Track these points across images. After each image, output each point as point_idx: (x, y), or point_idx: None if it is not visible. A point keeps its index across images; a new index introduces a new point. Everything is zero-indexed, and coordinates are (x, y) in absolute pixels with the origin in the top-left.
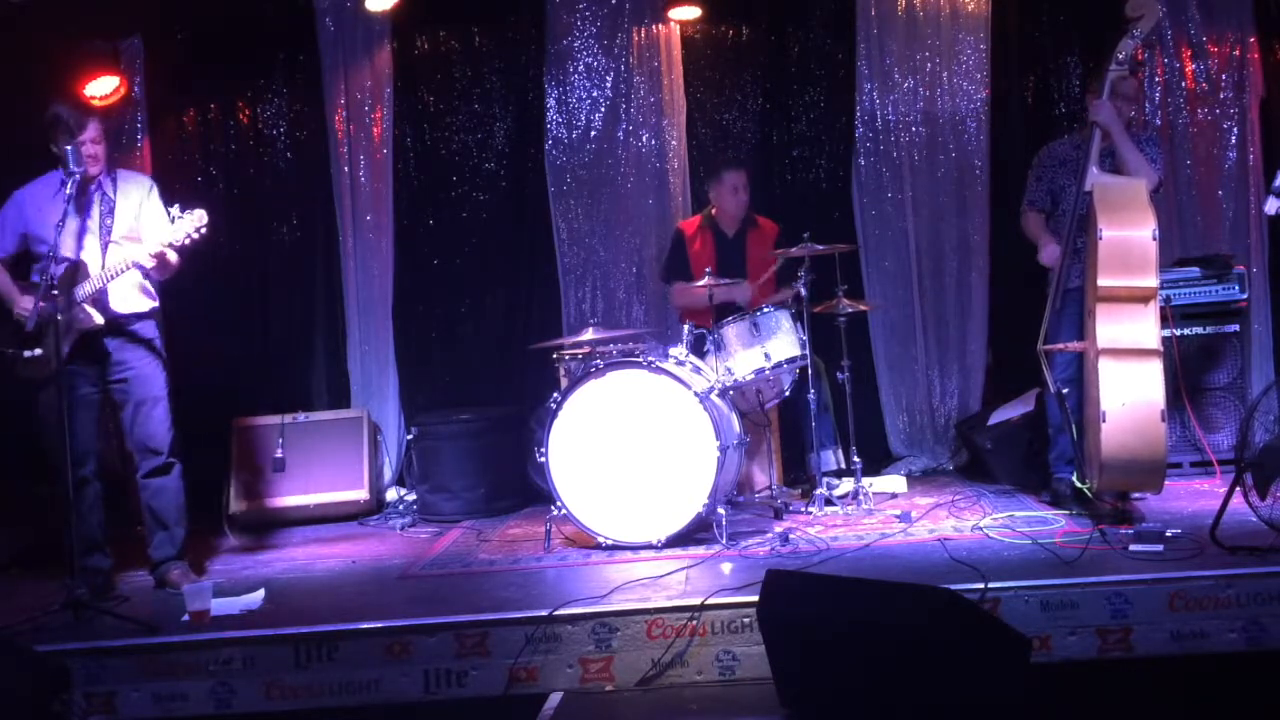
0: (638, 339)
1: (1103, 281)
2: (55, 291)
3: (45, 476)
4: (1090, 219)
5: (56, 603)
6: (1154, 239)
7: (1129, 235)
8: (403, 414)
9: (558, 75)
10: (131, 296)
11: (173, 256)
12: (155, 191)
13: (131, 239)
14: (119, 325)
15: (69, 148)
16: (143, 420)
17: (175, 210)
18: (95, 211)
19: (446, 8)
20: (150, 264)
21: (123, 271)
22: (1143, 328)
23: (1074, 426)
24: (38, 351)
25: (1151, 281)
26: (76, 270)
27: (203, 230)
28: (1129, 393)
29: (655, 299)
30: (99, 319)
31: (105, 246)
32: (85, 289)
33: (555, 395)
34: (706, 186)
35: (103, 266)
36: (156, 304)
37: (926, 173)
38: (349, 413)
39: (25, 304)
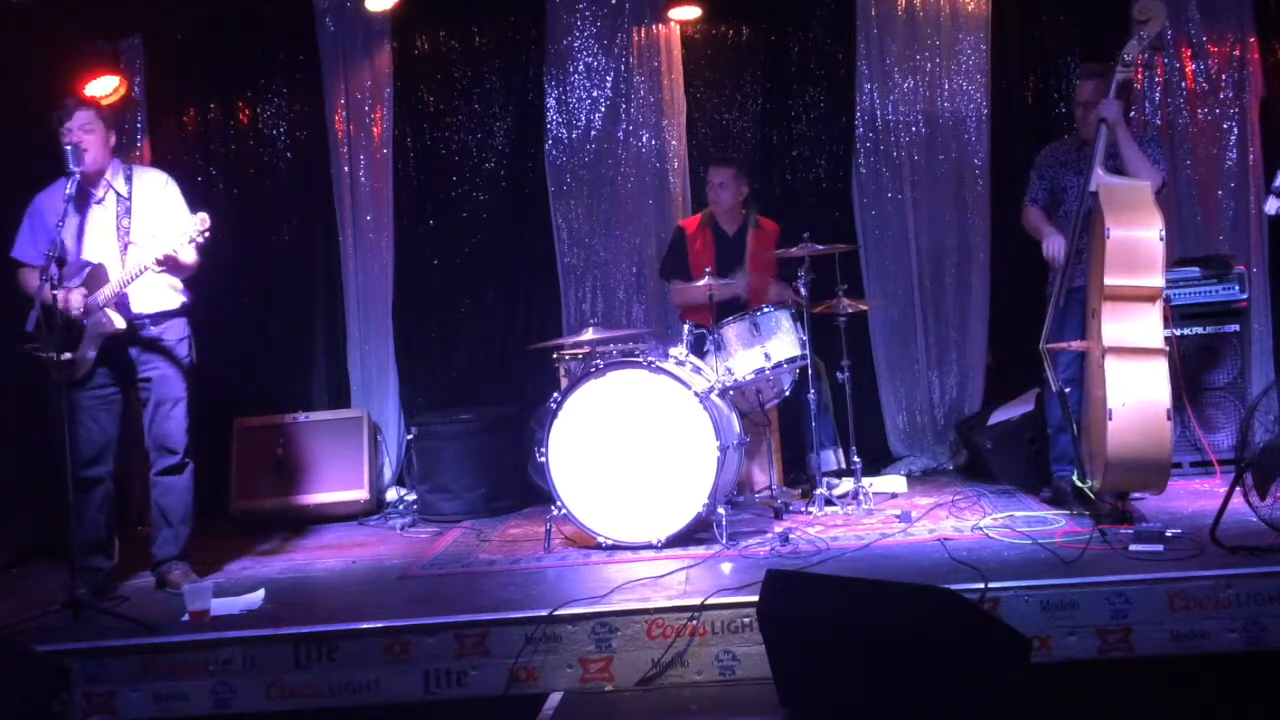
0: (638, 339)
1: (1109, 281)
2: (54, 291)
3: (56, 475)
4: (1096, 219)
5: (56, 603)
6: (1160, 239)
7: (1136, 235)
8: (403, 414)
9: (558, 75)
10: (159, 295)
11: (187, 256)
12: (172, 186)
13: (153, 237)
14: (144, 324)
15: (68, 146)
16: (161, 419)
17: None
18: (110, 211)
19: (446, 8)
20: (157, 269)
21: (138, 275)
22: (1148, 327)
23: (1075, 425)
24: (69, 355)
25: (1158, 281)
26: (99, 273)
27: (206, 234)
28: (1134, 392)
29: (655, 299)
30: (120, 323)
31: (124, 248)
32: (105, 293)
33: (555, 395)
34: (705, 186)
35: (122, 269)
36: (186, 300)
37: (926, 173)
38: (349, 413)
39: (45, 297)
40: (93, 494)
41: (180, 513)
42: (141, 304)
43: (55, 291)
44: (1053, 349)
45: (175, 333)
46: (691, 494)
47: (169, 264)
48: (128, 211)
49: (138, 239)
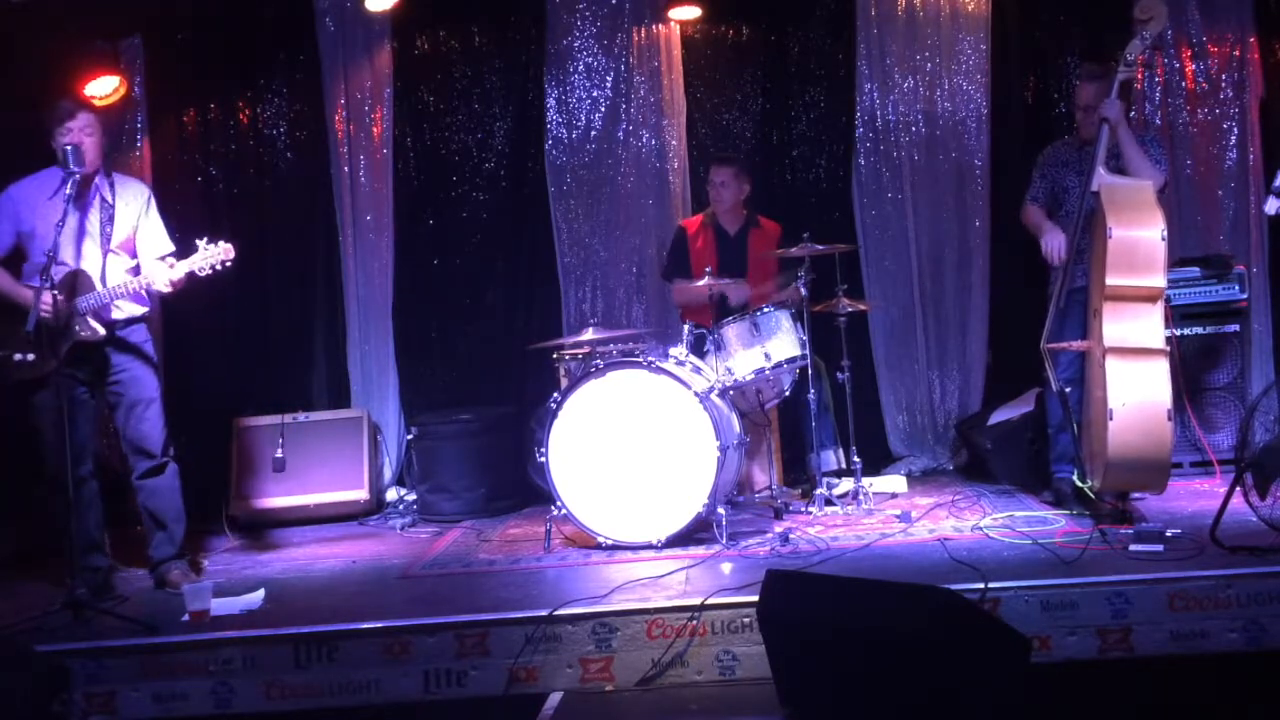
0: (638, 339)
1: (1110, 281)
2: (57, 295)
3: (42, 477)
4: (1098, 219)
5: (56, 603)
6: (1162, 239)
7: (1137, 235)
8: (403, 414)
9: (558, 75)
10: (124, 303)
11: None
12: (154, 203)
13: (125, 248)
14: (112, 330)
15: (69, 146)
16: (135, 422)
17: (202, 242)
18: (94, 216)
19: (446, 8)
20: (167, 290)
21: (133, 292)
22: (1149, 327)
23: (1075, 425)
24: (30, 356)
25: (1159, 281)
26: (76, 278)
27: (228, 264)
28: (1135, 392)
29: (655, 299)
30: (101, 330)
31: (105, 255)
32: (89, 301)
33: (555, 395)
34: (706, 186)
35: (103, 274)
36: (148, 309)
37: (926, 173)
38: (349, 413)
39: (45, 302)
40: (80, 494)
41: (171, 513)
42: (113, 312)
43: (57, 298)
44: (1053, 349)
45: (140, 335)
46: (691, 494)
47: (177, 287)
48: (110, 219)
49: (115, 248)
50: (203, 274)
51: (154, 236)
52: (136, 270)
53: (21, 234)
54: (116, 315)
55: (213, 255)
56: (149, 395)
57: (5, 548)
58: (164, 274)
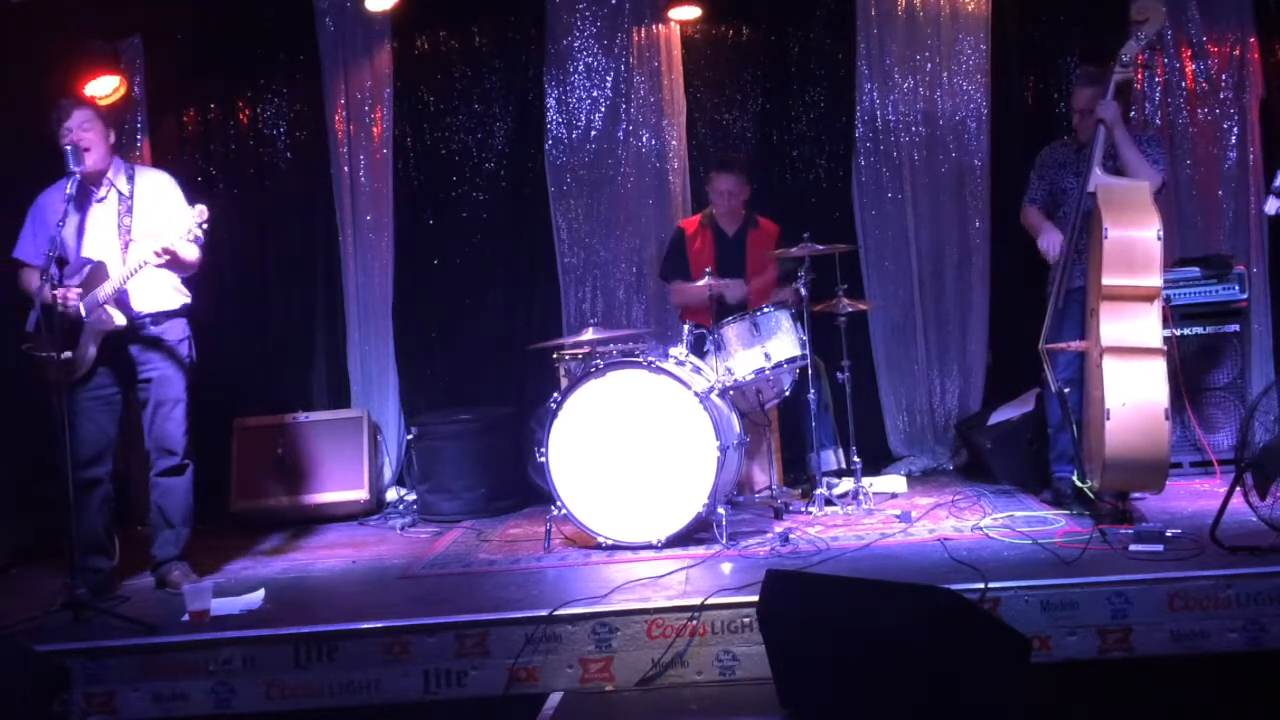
0: (638, 339)
1: (1107, 281)
2: (54, 290)
3: (55, 475)
4: (1095, 219)
5: (56, 603)
6: (1158, 239)
7: (1134, 235)
8: (403, 414)
9: (558, 75)
10: (160, 294)
11: (188, 252)
12: (174, 185)
13: (153, 235)
14: (144, 323)
15: (69, 146)
16: (161, 420)
17: None
18: (109, 210)
19: (446, 8)
20: (156, 261)
21: (136, 271)
22: (1146, 327)
23: (1074, 425)
24: (68, 354)
25: (1155, 281)
26: (99, 271)
27: (204, 225)
28: (1133, 392)
29: (655, 299)
30: (120, 320)
31: (125, 246)
32: (105, 290)
33: (555, 395)
34: (706, 187)
35: (123, 266)
36: (187, 300)
37: (926, 173)
38: (349, 413)
39: (45, 297)
40: (91, 495)
41: (181, 514)
42: (142, 303)
43: (54, 290)
44: (1052, 349)
45: (176, 333)
46: (691, 494)
47: (169, 258)
48: (129, 210)
49: (139, 237)
50: (187, 240)
51: (177, 219)
52: None
53: (53, 240)
54: (142, 307)
55: (189, 220)
56: (175, 395)
57: (7, 547)
58: (149, 247)
